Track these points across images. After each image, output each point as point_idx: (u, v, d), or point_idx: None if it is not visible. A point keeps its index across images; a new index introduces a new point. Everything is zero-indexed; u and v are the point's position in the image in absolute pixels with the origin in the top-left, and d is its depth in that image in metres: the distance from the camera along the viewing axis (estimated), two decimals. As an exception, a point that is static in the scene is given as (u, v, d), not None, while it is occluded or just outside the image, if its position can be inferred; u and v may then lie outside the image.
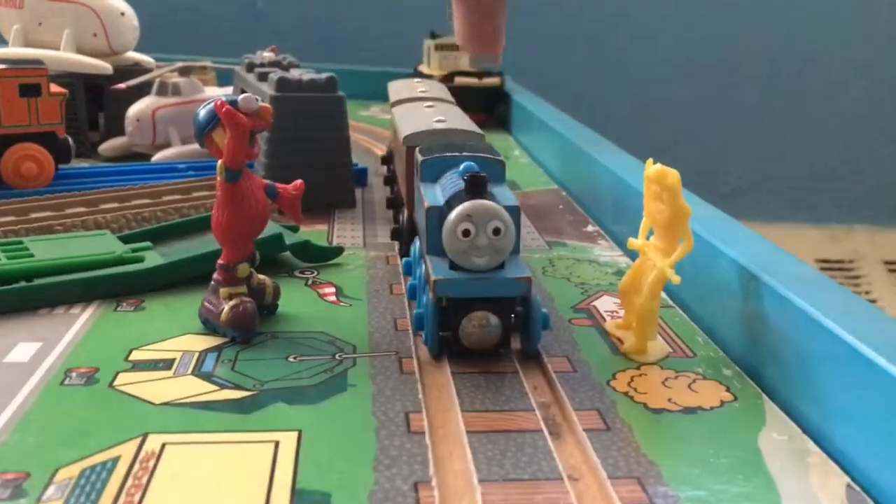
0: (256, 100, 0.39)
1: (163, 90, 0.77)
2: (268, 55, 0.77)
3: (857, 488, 0.30)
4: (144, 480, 0.29)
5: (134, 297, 0.45)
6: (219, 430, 0.32)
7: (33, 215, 0.54)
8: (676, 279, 0.39)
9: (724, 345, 0.42)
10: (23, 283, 0.44)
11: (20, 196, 0.57)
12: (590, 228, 0.63)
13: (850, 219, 1.60)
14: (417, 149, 0.45)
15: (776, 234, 0.94)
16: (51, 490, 0.28)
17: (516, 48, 1.14)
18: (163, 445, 0.31)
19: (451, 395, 0.36)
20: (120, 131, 0.77)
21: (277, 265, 0.51)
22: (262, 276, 0.43)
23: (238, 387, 0.36)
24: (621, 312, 0.44)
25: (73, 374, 0.36)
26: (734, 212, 0.50)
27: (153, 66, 0.84)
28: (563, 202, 0.72)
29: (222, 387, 0.36)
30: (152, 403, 0.34)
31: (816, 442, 0.33)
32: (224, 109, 0.38)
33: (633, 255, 0.47)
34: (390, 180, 0.64)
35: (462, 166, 0.39)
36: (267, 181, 0.41)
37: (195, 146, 0.58)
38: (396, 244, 0.55)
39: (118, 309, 0.44)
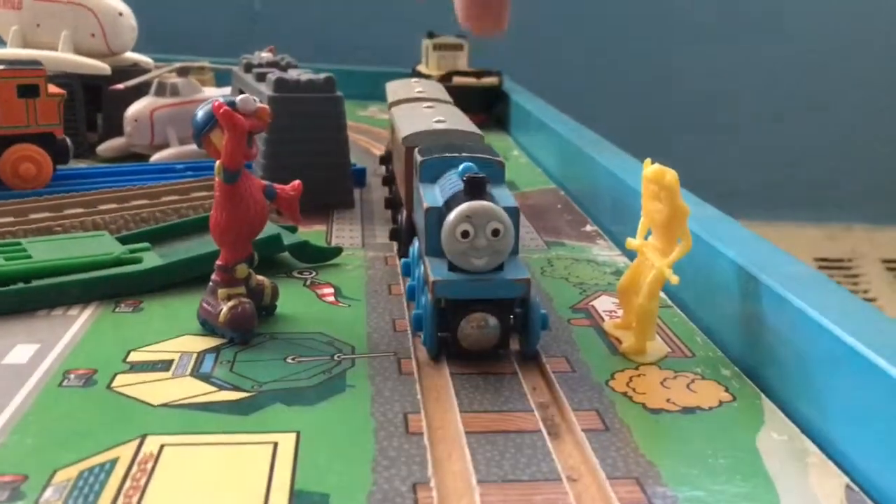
0: (254, 100, 0.39)
1: (161, 90, 0.77)
2: (266, 55, 0.77)
3: (856, 488, 0.30)
4: (143, 482, 0.29)
5: (132, 298, 0.45)
6: (217, 431, 0.32)
7: (31, 216, 0.54)
8: (675, 279, 0.38)
9: (723, 345, 0.42)
10: (21, 285, 0.43)
11: (18, 197, 0.57)
12: (588, 228, 0.63)
13: (848, 217, 1.60)
14: (416, 149, 0.44)
15: (774, 233, 0.94)
16: (49, 492, 0.28)
17: (516, 48, 1.15)
18: (161, 447, 0.31)
19: (449, 396, 0.36)
20: (118, 132, 0.77)
21: (276, 266, 0.51)
22: (260, 277, 0.43)
23: (236, 388, 0.36)
24: (620, 312, 0.44)
25: (72, 376, 0.36)
26: (732, 211, 0.50)
27: (151, 66, 0.84)
28: (562, 202, 0.72)
29: (221, 388, 0.36)
30: (151, 405, 0.34)
31: (815, 442, 0.33)
32: (222, 110, 0.38)
33: (631, 254, 0.47)
34: (389, 180, 0.64)
35: (461, 167, 0.39)
36: (265, 182, 0.41)
37: (193, 147, 0.57)
38: (395, 245, 0.55)
39: (116, 310, 0.44)
